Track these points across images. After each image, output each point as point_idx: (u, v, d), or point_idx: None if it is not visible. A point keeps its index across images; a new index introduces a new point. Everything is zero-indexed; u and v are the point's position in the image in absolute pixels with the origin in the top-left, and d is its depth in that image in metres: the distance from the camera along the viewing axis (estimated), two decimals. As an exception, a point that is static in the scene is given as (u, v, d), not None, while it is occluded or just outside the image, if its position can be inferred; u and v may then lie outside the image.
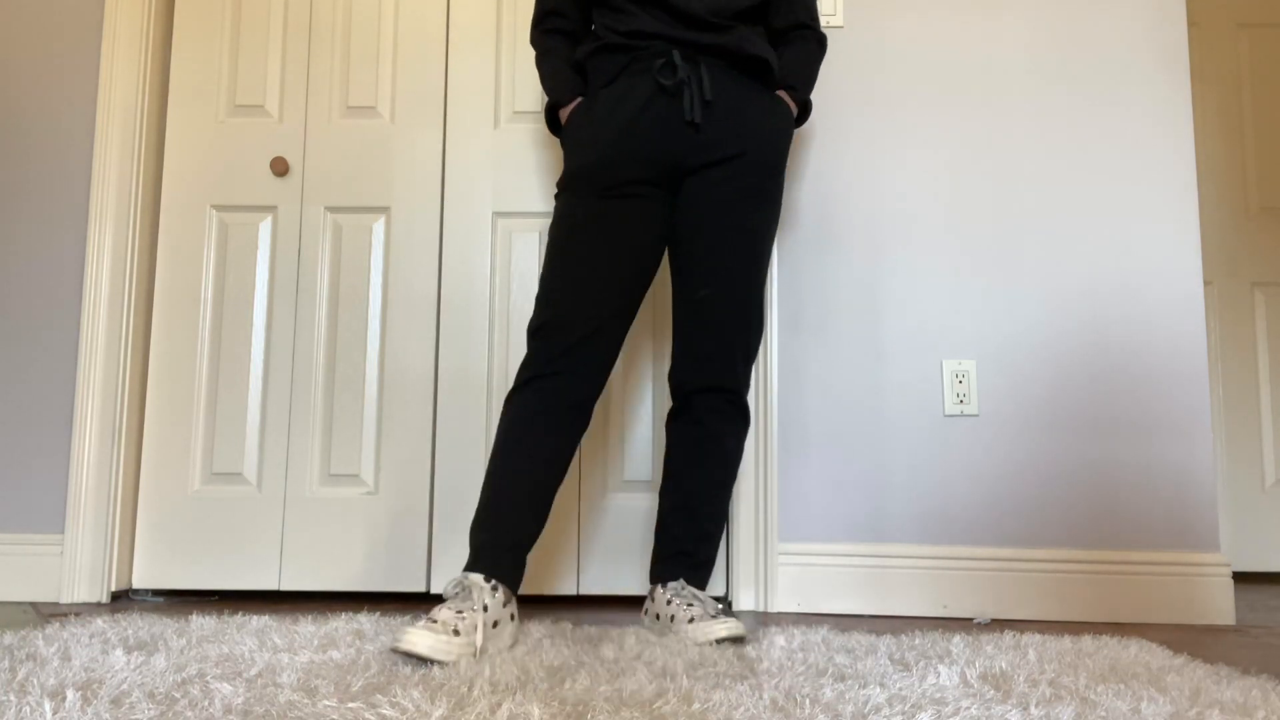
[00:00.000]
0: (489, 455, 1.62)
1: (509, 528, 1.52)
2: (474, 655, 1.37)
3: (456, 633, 1.38)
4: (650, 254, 1.65)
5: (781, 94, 1.72)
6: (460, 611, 1.42)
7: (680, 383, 1.70)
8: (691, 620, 1.57)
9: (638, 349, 2.19)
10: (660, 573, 1.71)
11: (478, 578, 1.47)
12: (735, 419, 1.71)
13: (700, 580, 1.71)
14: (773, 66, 1.69)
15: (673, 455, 1.73)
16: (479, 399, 2.15)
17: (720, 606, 1.97)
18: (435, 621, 1.37)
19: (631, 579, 2.11)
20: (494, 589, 1.48)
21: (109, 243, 2.13)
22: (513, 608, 1.50)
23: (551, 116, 1.75)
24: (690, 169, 1.66)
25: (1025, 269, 2.10)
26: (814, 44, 1.78)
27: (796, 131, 2.16)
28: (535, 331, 1.59)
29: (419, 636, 1.32)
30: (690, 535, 1.69)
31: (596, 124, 1.64)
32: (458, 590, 1.48)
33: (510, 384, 2.14)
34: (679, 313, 1.71)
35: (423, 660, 1.32)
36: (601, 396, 2.16)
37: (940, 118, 2.15)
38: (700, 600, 1.64)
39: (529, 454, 1.54)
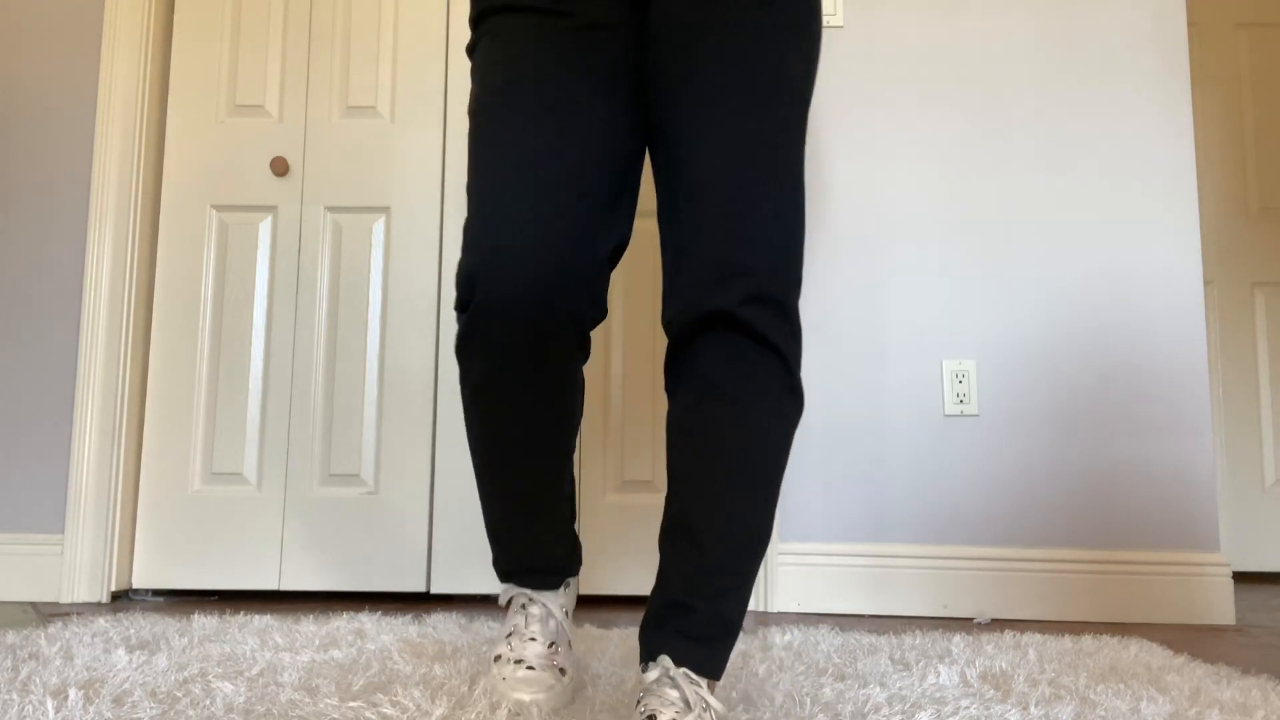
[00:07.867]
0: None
1: None
2: None
3: None
4: (626, 125, 1.04)
5: None
6: None
7: (672, 316, 0.97)
8: None
9: (638, 344, 2.19)
10: (648, 641, 0.95)
11: None
12: (769, 367, 1.02)
13: (706, 657, 0.92)
14: None
15: (672, 443, 0.99)
16: (479, 399, 2.14)
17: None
18: None
19: (631, 579, 2.11)
20: None
21: (109, 243, 2.13)
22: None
23: None
24: None
25: (1025, 269, 2.10)
26: None
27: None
28: None
29: None
30: (691, 575, 0.94)
31: None
32: None
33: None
34: (662, 207, 1.02)
35: None
36: (601, 396, 2.17)
37: (940, 118, 2.15)
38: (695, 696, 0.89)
39: None
